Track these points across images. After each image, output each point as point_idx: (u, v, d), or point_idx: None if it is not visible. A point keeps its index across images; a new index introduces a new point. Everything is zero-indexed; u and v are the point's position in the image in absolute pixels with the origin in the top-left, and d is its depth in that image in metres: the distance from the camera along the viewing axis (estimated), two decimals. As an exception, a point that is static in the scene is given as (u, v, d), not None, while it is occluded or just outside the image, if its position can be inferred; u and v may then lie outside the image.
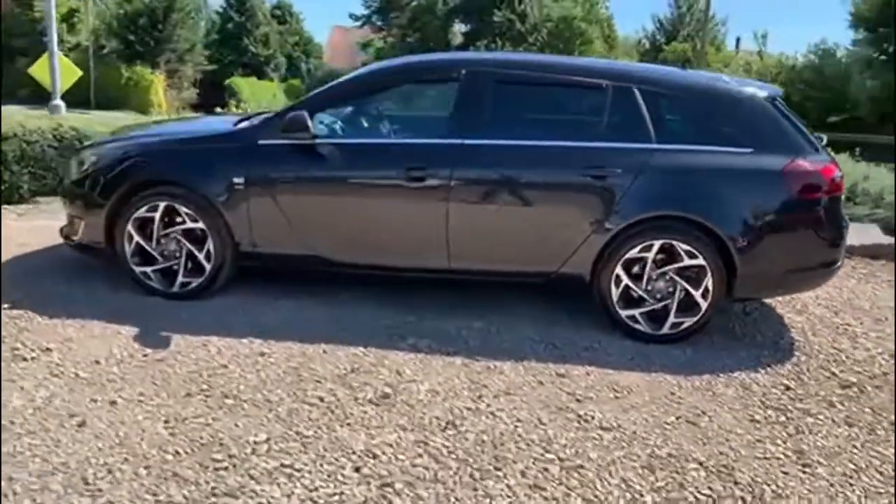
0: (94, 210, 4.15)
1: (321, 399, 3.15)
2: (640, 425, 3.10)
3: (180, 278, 4.12)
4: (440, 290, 4.45)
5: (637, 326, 3.92)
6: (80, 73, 13.40)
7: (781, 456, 2.94)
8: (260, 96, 27.41)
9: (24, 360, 3.37)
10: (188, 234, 4.06)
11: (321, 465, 2.66)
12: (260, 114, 4.69)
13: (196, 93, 27.31)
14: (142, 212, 4.05)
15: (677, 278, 3.85)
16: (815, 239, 3.90)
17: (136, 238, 4.08)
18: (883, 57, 22.33)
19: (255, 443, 2.77)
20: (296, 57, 36.89)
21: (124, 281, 4.24)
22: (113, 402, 3.03)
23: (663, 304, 3.89)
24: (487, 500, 2.51)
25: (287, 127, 3.88)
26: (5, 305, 3.95)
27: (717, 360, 3.81)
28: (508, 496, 2.55)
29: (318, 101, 4.03)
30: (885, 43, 22.75)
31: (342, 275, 4.33)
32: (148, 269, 4.13)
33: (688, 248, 3.78)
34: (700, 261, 3.79)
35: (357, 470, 2.64)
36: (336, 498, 2.47)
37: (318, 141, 3.87)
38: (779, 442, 3.05)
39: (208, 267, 4.08)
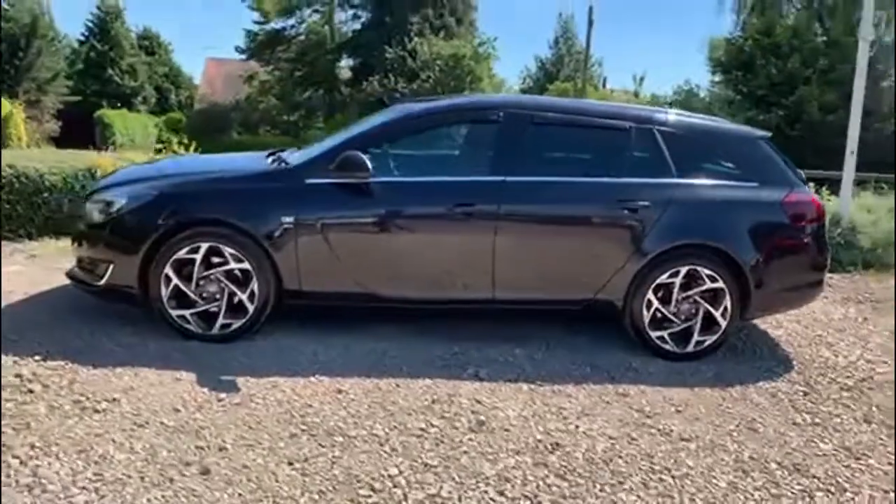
0: (126, 253, 3.99)
1: (423, 430, 3.23)
2: (712, 434, 3.42)
3: (221, 320, 4.03)
4: (471, 321, 4.61)
5: (665, 346, 4.28)
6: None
7: (835, 452, 3.35)
8: (133, 129, 26.17)
9: (97, 411, 3.21)
10: (230, 274, 4.00)
11: (466, 491, 2.76)
12: (282, 150, 4.70)
13: (58, 125, 25.50)
14: (182, 253, 3.95)
15: (700, 300, 4.25)
16: (807, 260, 4.45)
17: (175, 280, 3.97)
18: (739, 97, 24.96)
19: (392, 476, 2.83)
20: (165, 88, 35.50)
21: (145, 324, 4.11)
22: (222, 448, 2.96)
23: (688, 324, 4.28)
24: (628, 511, 2.72)
25: (342, 166, 3.95)
26: (37, 357, 3.71)
27: (737, 373, 4.23)
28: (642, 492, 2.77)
29: (367, 139, 4.13)
30: (740, 84, 25.42)
31: (377, 310, 4.40)
32: (186, 313, 4.01)
33: (710, 272, 4.20)
34: (720, 284, 4.22)
35: (501, 493, 2.77)
36: (498, 521, 2.59)
37: (373, 180, 3.96)
38: (826, 440, 3.47)
39: (251, 308, 4.03)
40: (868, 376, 4.38)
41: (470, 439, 3.18)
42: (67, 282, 4.97)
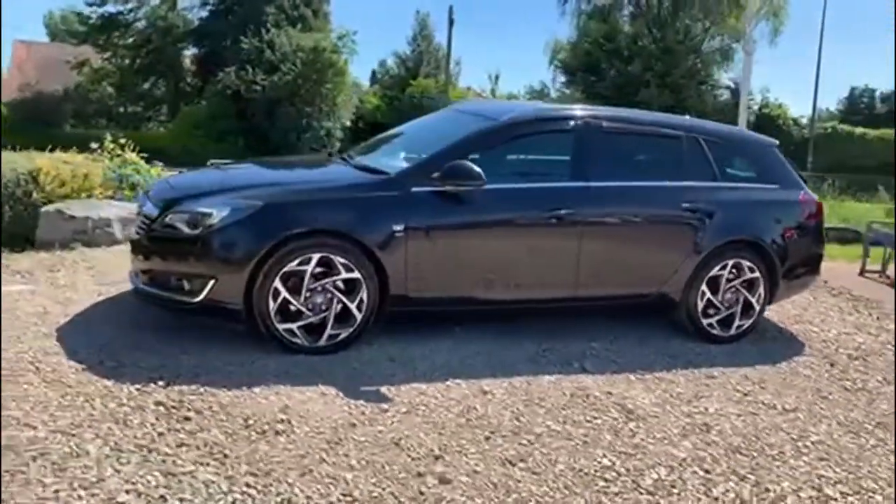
0: (231, 267, 3.80)
1: (590, 422, 3.47)
2: (805, 405, 3.97)
3: (329, 331, 3.97)
4: (533, 320, 4.85)
5: (713, 331, 4.82)
6: None
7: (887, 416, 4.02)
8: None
9: (277, 433, 3.10)
10: (339, 284, 3.95)
11: (680, 474, 3.05)
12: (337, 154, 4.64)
13: None
14: (292, 265, 3.84)
15: (741, 289, 4.83)
16: (814, 250, 5.19)
17: (284, 294, 3.85)
18: (586, 98, 26.99)
19: (608, 466, 3.05)
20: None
21: (236, 340, 3.96)
22: (437, 457, 3.02)
23: (730, 311, 4.84)
24: (803, 472, 3.15)
25: (450, 174, 4.03)
26: (159, 382, 3.46)
27: (771, 352, 4.84)
28: (809, 468, 3.22)
29: (466, 148, 4.22)
30: (587, 86, 27.46)
31: (451, 314, 4.51)
32: (293, 326, 3.91)
33: (750, 264, 4.79)
34: (757, 274, 4.82)
35: (707, 472, 3.09)
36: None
37: (482, 187, 4.07)
38: (878, 401, 4.14)
39: (359, 317, 4.00)
40: (858, 346, 5.20)
41: (634, 427, 3.47)
42: (98, 299, 4.62)
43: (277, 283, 3.83)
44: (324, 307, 3.95)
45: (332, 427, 3.21)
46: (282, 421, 3.21)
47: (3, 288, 4.68)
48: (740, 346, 4.83)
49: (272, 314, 3.85)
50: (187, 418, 3.16)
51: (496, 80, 29.65)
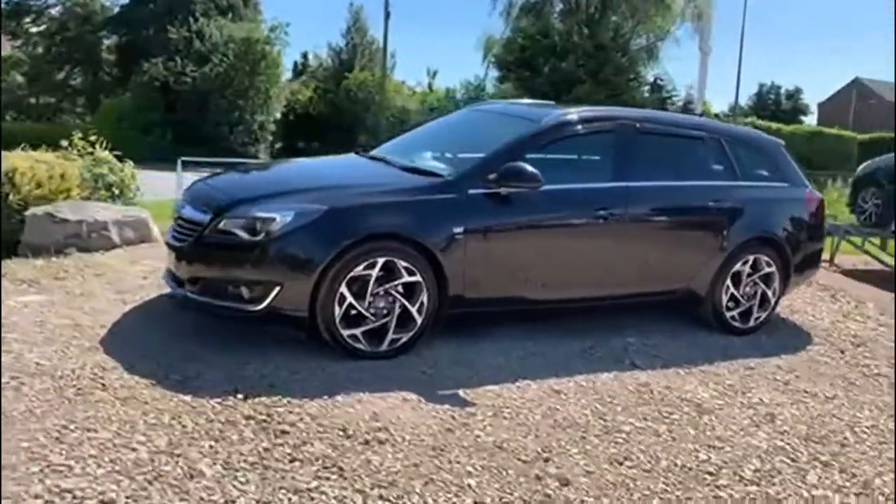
0: (298, 273, 3.70)
1: (666, 417, 3.59)
2: (840, 392, 4.22)
3: (390, 335, 3.92)
4: (559, 319, 4.90)
5: (735, 324, 5.04)
6: None
7: (913, 394, 4.35)
8: None
9: (381, 443, 3.06)
10: (401, 288, 3.91)
11: (774, 465, 3.20)
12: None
13: None
14: (358, 270, 3.77)
15: (759, 283, 5.08)
16: (815, 245, 5.50)
17: (349, 299, 3.78)
18: (523, 94, 27.34)
19: (711, 461, 3.17)
20: None
21: (290, 346, 3.88)
22: (545, 459, 3.05)
23: (750, 304, 5.08)
24: (872, 455, 3.37)
25: (506, 176, 4.05)
26: (238, 395, 3.34)
27: (786, 342, 5.10)
28: (876, 452, 3.44)
29: (517, 149, 4.24)
30: (523, 81, 27.83)
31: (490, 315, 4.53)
32: (357, 332, 3.84)
33: (768, 259, 5.04)
34: (773, 268, 5.08)
35: (794, 460, 3.26)
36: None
37: (540, 188, 4.10)
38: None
39: (419, 320, 3.97)
40: (854, 333, 5.54)
41: (709, 421, 3.60)
42: (125, 308, 4.41)
43: (343, 289, 3.75)
44: (385, 312, 3.90)
45: (431, 434, 3.18)
46: (379, 429, 3.16)
47: (16, 299, 4.39)
48: (758, 337, 5.07)
49: (337, 320, 3.78)
50: (284, 431, 3.07)
51: (433, 74, 29.75)
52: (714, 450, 3.29)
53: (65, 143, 7.41)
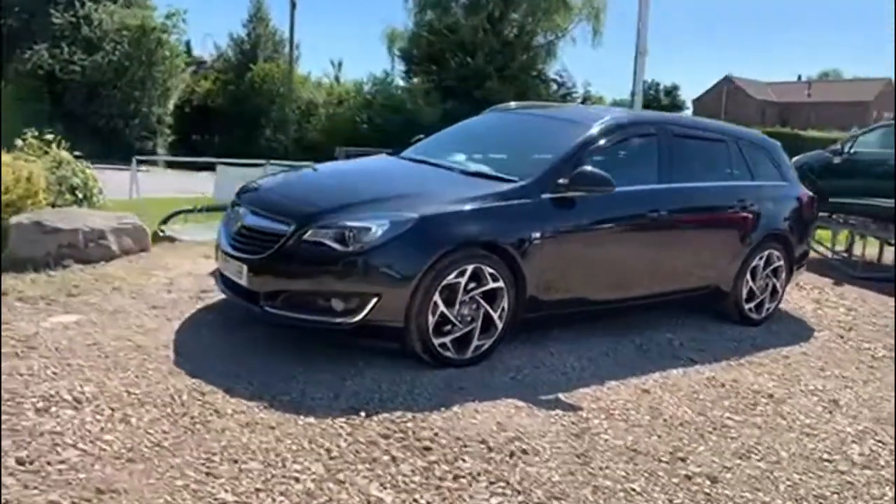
0: (396, 283, 3.59)
1: (755, 408, 3.79)
2: (866, 375, 4.59)
3: (475, 342, 3.90)
4: (597, 319, 5.01)
5: (752, 315, 5.36)
6: None
7: (921, 373, 4.80)
8: None
9: (524, 453, 3.05)
10: (486, 294, 3.89)
11: (862, 449, 3.46)
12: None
13: None
14: (450, 278, 3.72)
15: (770, 276, 5.43)
16: (807, 239, 5.94)
17: (441, 307, 3.72)
18: (433, 88, 27.40)
19: (819, 449, 3.39)
20: None
21: (355, 358, 3.79)
22: (682, 458, 3.16)
23: (763, 296, 5.42)
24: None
25: (579, 180, 4.11)
26: (362, 414, 3.22)
27: (796, 331, 5.46)
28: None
29: (580, 153, 4.29)
30: (432, 76, 27.94)
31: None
32: (446, 340, 3.79)
33: (778, 254, 5.40)
34: (781, 262, 5.45)
35: (882, 442, 3.53)
36: None
37: (616, 191, 4.18)
38: (903, 367, 4.92)
39: (500, 325, 3.97)
40: (839, 320, 5.97)
41: (789, 410, 3.83)
42: (174, 324, 4.15)
43: (437, 297, 3.69)
44: (469, 319, 3.87)
45: (562, 440, 3.21)
46: (513, 439, 3.15)
47: (50, 320, 4.00)
48: (771, 327, 5.42)
49: (430, 329, 3.71)
50: (427, 448, 3.00)
51: (339, 66, 29.19)
52: (814, 438, 3.51)
53: (19, 142, 6.72)
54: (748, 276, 5.24)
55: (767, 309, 5.45)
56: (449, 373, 3.77)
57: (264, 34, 28.65)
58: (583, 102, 31.29)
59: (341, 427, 3.08)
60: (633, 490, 2.86)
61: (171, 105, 26.73)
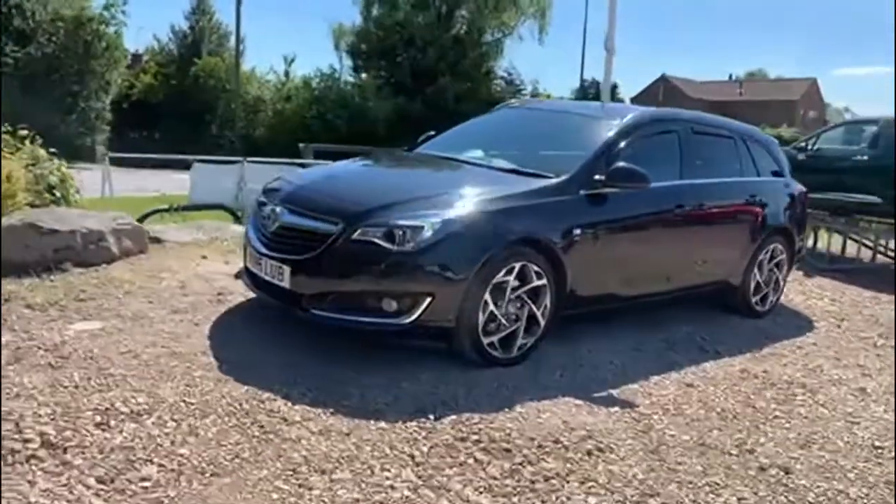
0: (450, 282, 3.52)
1: (794, 399, 3.88)
2: (877, 361, 4.76)
3: (519, 340, 3.86)
4: (612, 315, 5.05)
5: (758, 308, 5.51)
6: None
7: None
8: None
9: (599, 450, 3.03)
10: (530, 292, 3.86)
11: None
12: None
13: None
14: (499, 276, 3.67)
15: (774, 269, 5.58)
16: (802, 231, 6.14)
17: (491, 306, 3.67)
18: (384, 84, 27.10)
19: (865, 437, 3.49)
20: None
21: (402, 359, 3.71)
22: (750, 451, 3.20)
23: (767, 289, 5.57)
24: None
25: (616, 176, 4.11)
26: (431, 417, 3.14)
27: (796, 322, 5.64)
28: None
29: (612, 149, 4.30)
30: (383, 72, 27.66)
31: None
32: (494, 339, 3.74)
33: (781, 247, 5.56)
34: (784, 256, 5.61)
35: (919, 428, 3.67)
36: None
37: (652, 186, 4.19)
38: (905, 354, 5.14)
39: (542, 323, 3.94)
40: (830, 311, 6.20)
41: (825, 399, 3.93)
42: (204, 329, 3.98)
43: (487, 296, 3.63)
44: (514, 317, 3.83)
45: (631, 437, 3.21)
46: (584, 438, 3.13)
47: (73, 328, 3.76)
48: (776, 319, 5.58)
49: (480, 328, 3.65)
50: (507, 450, 2.95)
51: (290, 62, 28.48)
52: (858, 426, 3.61)
53: (-8, 139, 6.30)
54: (755, 270, 5.37)
55: (771, 301, 5.60)
56: (497, 372, 3.72)
57: (208, 27, 27.81)
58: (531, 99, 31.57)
59: (415, 431, 2.99)
60: (716, 483, 2.88)
61: (108, 100, 25.70)
